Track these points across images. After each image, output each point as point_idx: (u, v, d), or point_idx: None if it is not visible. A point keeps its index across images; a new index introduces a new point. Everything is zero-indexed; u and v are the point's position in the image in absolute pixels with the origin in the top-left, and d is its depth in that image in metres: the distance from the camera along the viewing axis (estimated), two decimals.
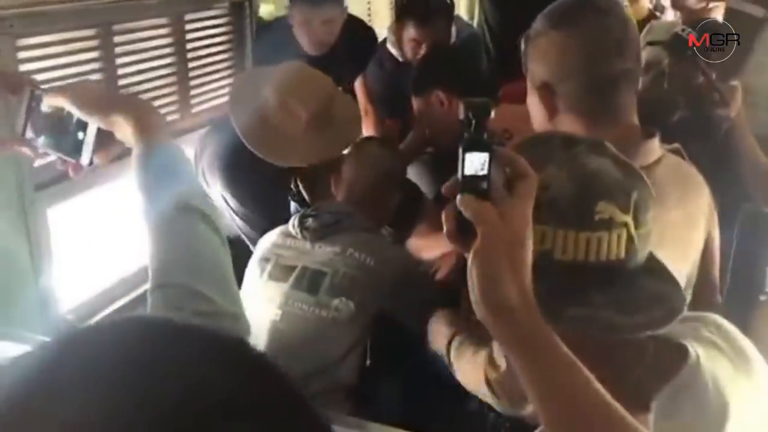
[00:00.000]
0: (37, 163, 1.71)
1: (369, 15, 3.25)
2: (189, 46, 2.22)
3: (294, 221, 1.75)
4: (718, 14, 2.89)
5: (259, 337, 1.66)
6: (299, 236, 1.73)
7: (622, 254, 0.76)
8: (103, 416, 0.34)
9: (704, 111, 1.98)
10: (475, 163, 0.68)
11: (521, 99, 1.30)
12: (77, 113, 0.91)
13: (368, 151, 1.98)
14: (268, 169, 1.87)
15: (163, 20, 2.10)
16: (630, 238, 0.77)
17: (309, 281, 1.65)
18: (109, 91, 1.25)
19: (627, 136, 1.16)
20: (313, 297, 1.63)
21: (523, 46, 2.28)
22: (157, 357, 0.38)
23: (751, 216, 2.36)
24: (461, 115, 0.70)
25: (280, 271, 1.70)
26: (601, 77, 1.16)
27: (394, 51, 2.58)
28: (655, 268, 0.82)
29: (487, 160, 0.68)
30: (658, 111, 1.40)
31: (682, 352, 0.82)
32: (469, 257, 0.68)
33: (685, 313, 0.79)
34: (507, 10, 2.82)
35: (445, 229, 0.71)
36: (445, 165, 2.21)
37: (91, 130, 0.92)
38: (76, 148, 0.93)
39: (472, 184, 0.68)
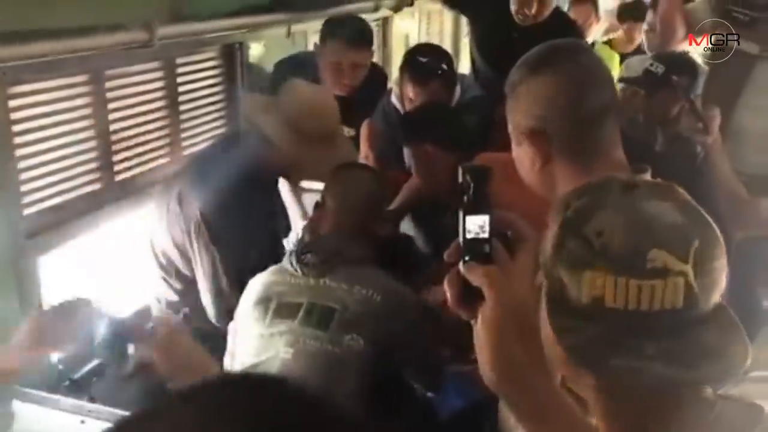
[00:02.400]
0: (26, 211, 1.71)
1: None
2: (180, 89, 2.23)
3: (291, 258, 1.70)
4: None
5: (268, 369, 1.62)
6: (299, 273, 1.69)
7: (680, 303, 0.72)
8: None
9: (683, 139, 2.00)
10: (475, 226, 0.70)
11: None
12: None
13: (351, 175, 1.89)
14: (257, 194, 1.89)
15: (154, 64, 2.11)
16: (689, 287, 0.72)
17: (319, 317, 1.62)
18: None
19: (617, 172, 1.16)
20: (325, 333, 1.60)
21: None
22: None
23: (746, 243, 2.37)
24: (459, 179, 0.71)
25: (286, 308, 1.65)
26: (585, 114, 1.17)
27: (397, 104, 2.61)
28: (722, 319, 0.76)
29: (487, 222, 0.70)
30: (637, 144, 1.41)
31: (755, 412, 0.77)
32: (477, 322, 0.68)
33: (756, 373, 0.76)
34: (497, 69, 2.85)
35: (448, 296, 0.71)
36: (435, 216, 2.22)
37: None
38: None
39: (474, 247, 0.70)
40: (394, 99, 2.61)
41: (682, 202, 0.77)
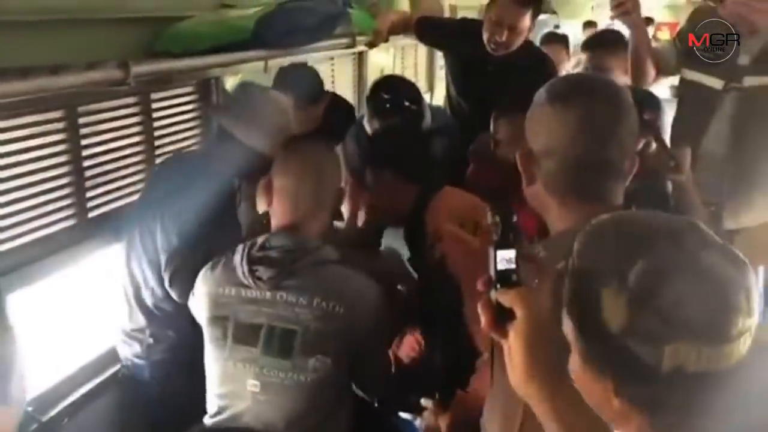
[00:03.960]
0: None
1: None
2: (156, 124, 2.22)
3: (243, 266, 1.58)
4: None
5: (239, 405, 1.61)
6: (253, 286, 1.58)
7: (744, 353, 0.74)
8: None
9: (656, 178, 2.03)
10: (504, 259, 0.83)
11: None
12: None
13: (303, 149, 1.71)
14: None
15: (129, 100, 2.11)
16: (751, 336, 0.74)
17: (279, 343, 1.56)
18: None
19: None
20: (288, 361, 1.56)
21: (492, 125, 2.32)
22: None
23: None
24: (489, 219, 0.85)
25: (244, 332, 1.58)
26: (579, 164, 1.15)
27: (368, 129, 2.64)
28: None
29: (514, 256, 0.83)
30: None
31: None
32: (509, 338, 0.83)
33: None
34: (472, 101, 2.91)
35: (483, 320, 0.84)
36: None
37: None
38: None
39: (505, 277, 0.84)
40: (365, 123, 2.64)
41: (715, 243, 0.77)
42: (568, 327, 0.80)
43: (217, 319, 1.62)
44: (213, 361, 1.64)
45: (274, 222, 1.66)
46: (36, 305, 1.85)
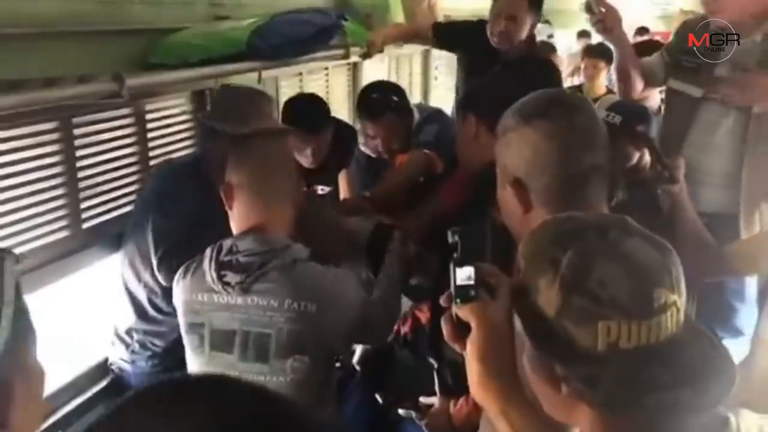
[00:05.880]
0: None
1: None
2: (150, 135, 2.23)
3: (212, 274, 1.55)
4: (655, 98, 3.06)
5: None
6: (223, 292, 1.56)
7: (675, 329, 0.81)
8: None
9: (649, 189, 2.04)
10: (464, 275, 0.89)
11: None
12: None
13: (255, 146, 1.66)
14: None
15: (124, 111, 2.11)
16: (679, 312, 0.81)
17: (255, 348, 1.55)
18: None
19: None
20: (266, 365, 1.55)
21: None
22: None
23: (709, 290, 2.41)
24: (449, 239, 0.90)
25: (220, 339, 1.58)
26: (572, 173, 1.16)
27: (364, 149, 2.70)
28: (705, 336, 0.85)
29: (473, 272, 0.89)
30: None
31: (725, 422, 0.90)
32: (467, 348, 0.88)
33: None
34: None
35: (445, 332, 0.91)
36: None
37: None
38: None
39: (463, 292, 0.89)
40: (360, 145, 2.73)
41: (642, 233, 0.85)
42: (518, 323, 0.87)
43: (193, 326, 1.61)
44: (194, 368, 1.64)
45: (239, 224, 1.62)
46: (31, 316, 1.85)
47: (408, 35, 3.28)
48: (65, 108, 1.81)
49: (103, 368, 2.10)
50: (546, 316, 0.82)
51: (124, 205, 2.13)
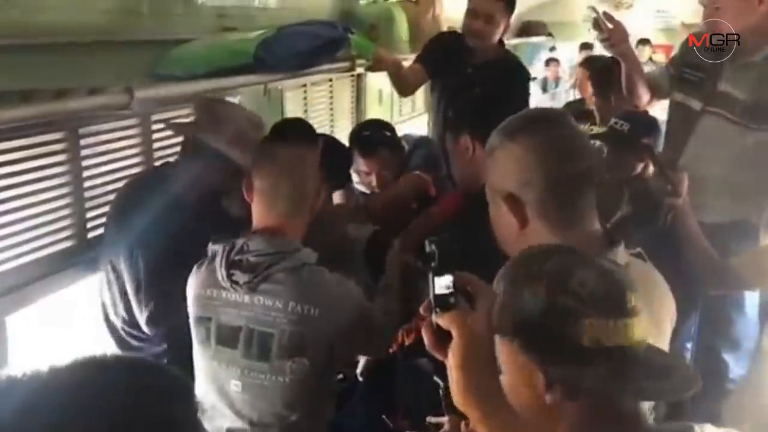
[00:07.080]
0: None
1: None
2: (156, 145, 2.24)
3: (222, 271, 1.60)
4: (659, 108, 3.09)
5: (223, 404, 1.65)
6: (231, 289, 1.61)
7: (642, 336, 0.89)
8: None
9: (652, 200, 2.05)
10: (443, 284, 0.90)
11: None
12: None
13: (279, 150, 1.67)
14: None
15: (130, 122, 2.12)
16: (643, 324, 0.89)
17: (258, 346, 1.60)
18: None
19: (592, 243, 1.19)
20: (267, 364, 1.60)
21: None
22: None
23: (708, 303, 2.42)
24: (427, 249, 0.91)
25: (226, 333, 1.62)
26: (558, 182, 1.19)
27: (359, 188, 2.71)
28: (654, 348, 0.94)
29: (452, 281, 0.90)
30: (603, 206, 1.45)
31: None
32: (448, 357, 0.89)
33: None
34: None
35: (426, 341, 0.93)
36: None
37: None
38: None
39: (442, 300, 0.90)
40: (355, 184, 2.69)
41: (613, 263, 0.97)
42: (505, 329, 0.91)
43: (201, 320, 1.66)
44: (200, 360, 1.68)
45: (255, 222, 1.66)
46: (34, 326, 1.85)
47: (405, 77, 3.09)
48: (73, 118, 1.82)
49: None
50: (534, 314, 0.87)
51: None
